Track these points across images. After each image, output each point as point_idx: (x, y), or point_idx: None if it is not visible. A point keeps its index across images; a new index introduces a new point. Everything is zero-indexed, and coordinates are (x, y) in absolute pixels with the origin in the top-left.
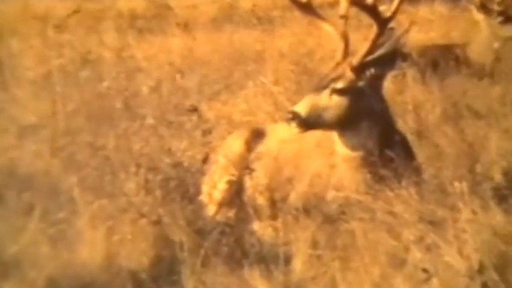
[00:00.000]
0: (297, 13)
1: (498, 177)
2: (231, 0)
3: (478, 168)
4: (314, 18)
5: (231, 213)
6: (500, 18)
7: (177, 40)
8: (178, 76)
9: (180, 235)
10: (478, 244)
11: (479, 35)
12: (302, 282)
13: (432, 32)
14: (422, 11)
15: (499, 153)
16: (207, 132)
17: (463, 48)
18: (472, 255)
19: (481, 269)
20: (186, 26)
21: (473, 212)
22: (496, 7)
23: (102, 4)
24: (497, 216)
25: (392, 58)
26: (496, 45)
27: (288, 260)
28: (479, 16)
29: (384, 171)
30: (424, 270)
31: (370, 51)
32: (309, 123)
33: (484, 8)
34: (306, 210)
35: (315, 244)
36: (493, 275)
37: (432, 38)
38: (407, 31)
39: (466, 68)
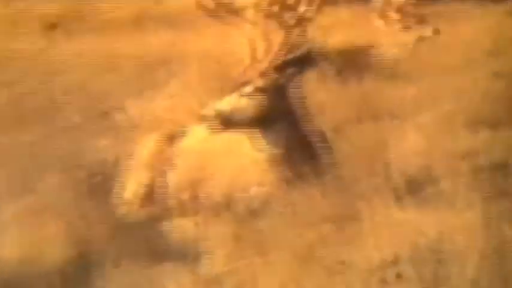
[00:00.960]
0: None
1: (408, 173)
2: (154, 1)
3: (385, 166)
4: (224, 22)
5: (148, 211)
6: (400, 24)
7: (100, 40)
8: (101, 75)
9: (95, 233)
10: (392, 237)
11: (381, 39)
12: (222, 277)
13: (338, 36)
14: (328, 16)
15: (407, 150)
16: (129, 130)
17: (367, 51)
18: (386, 248)
19: (395, 261)
20: (108, 27)
21: (388, 207)
22: (396, 13)
23: (23, 6)
24: (409, 210)
25: (299, 62)
26: (397, 48)
27: (208, 255)
28: (381, 21)
29: (301, 169)
30: (340, 262)
31: (278, 55)
32: (230, 121)
33: (385, 13)
34: (227, 206)
35: (235, 239)
36: (406, 267)
37: (338, 42)
38: (313, 36)
39: (370, 70)
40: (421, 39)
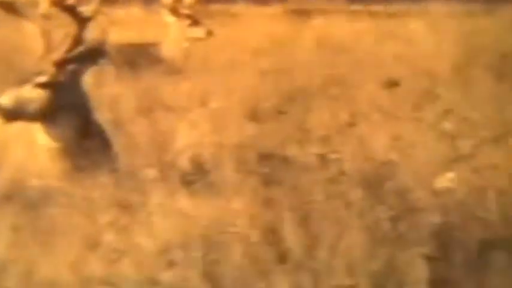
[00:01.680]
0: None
1: (185, 164)
2: None
3: (168, 156)
4: (17, 16)
5: None
6: (188, 21)
7: None
8: None
9: None
10: (166, 225)
11: (170, 35)
12: (3, 266)
13: (129, 32)
14: (120, 12)
15: (186, 143)
16: None
17: (157, 47)
18: (160, 236)
19: (168, 248)
20: None
21: (162, 196)
22: (185, 11)
23: None
24: (183, 200)
25: (92, 55)
26: (185, 45)
27: None
28: (170, 19)
29: (82, 160)
30: (116, 251)
31: (71, 48)
32: (12, 114)
33: (174, 11)
34: (8, 197)
35: (16, 229)
36: (178, 253)
37: (129, 37)
38: (105, 31)
39: (158, 65)
40: (195, 38)
